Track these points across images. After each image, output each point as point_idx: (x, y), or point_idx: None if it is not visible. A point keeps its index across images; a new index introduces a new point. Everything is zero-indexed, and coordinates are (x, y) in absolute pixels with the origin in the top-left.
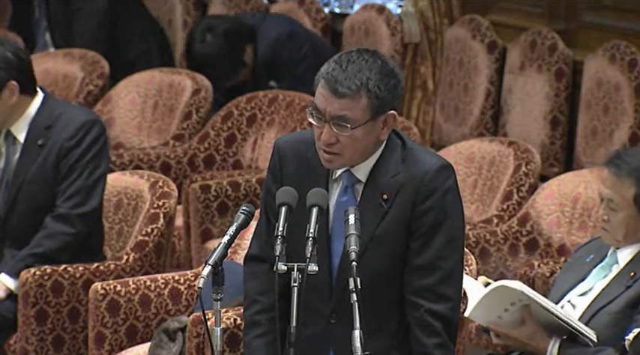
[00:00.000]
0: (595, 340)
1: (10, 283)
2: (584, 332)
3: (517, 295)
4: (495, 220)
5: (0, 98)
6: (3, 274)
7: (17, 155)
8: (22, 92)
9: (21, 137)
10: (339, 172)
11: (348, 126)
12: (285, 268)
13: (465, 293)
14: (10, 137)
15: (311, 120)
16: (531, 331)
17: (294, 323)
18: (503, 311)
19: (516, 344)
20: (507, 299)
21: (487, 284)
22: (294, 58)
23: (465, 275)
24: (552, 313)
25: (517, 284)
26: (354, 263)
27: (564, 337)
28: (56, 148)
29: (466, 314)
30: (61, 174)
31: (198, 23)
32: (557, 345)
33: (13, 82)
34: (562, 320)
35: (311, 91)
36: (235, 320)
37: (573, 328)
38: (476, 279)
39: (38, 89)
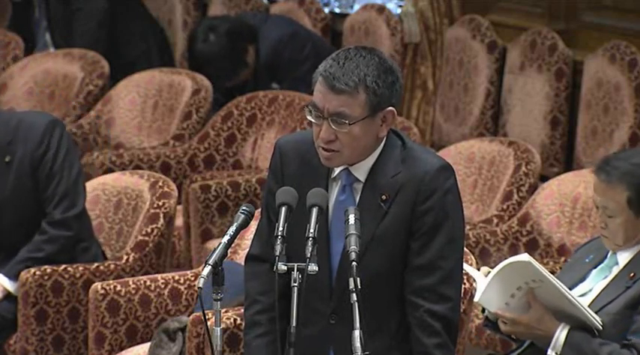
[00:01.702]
0: (600, 327)
1: (8, 285)
2: (589, 315)
3: (524, 274)
4: (495, 220)
5: None
6: (1, 275)
7: None
8: None
9: None
10: (337, 171)
11: (347, 122)
12: (285, 268)
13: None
14: None
15: (309, 117)
16: (539, 314)
17: (294, 323)
18: (509, 297)
19: (525, 331)
20: (514, 281)
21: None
22: (296, 59)
23: (466, 265)
24: (559, 290)
25: (525, 257)
26: (354, 263)
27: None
28: (27, 159)
29: (475, 299)
30: (42, 183)
31: (200, 23)
32: (566, 330)
33: None
34: (568, 299)
35: (311, 92)
36: (235, 320)
37: (578, 309)
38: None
39: None
